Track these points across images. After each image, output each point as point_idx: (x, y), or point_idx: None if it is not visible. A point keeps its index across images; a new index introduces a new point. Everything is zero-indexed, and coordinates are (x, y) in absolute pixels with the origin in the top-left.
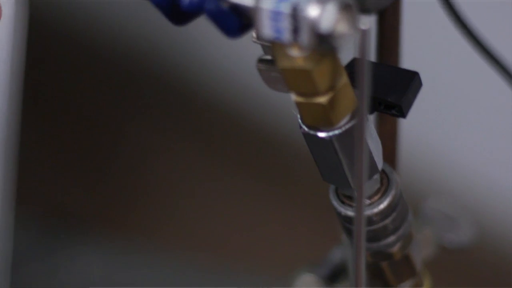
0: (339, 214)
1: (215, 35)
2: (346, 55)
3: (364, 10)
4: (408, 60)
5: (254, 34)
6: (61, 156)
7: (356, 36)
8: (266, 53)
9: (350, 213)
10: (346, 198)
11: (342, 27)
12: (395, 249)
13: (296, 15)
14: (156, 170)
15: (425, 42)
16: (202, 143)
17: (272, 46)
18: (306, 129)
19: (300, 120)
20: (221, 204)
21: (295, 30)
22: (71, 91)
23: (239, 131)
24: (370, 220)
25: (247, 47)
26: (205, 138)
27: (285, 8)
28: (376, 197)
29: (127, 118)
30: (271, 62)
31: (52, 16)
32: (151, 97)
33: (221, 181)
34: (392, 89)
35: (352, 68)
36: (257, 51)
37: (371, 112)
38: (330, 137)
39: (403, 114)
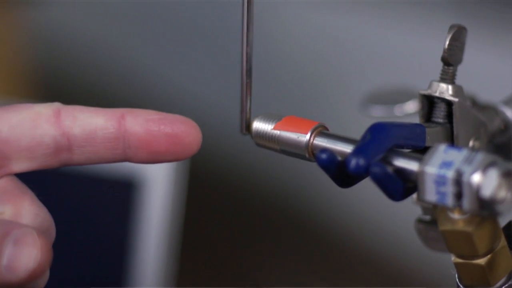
0: None
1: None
2: (503, 217)
3: None
4: None
5: (415, 196)
6: None
7: None
8: (425, 213)
9: None
10: None
11: (504, 193)
12: None
13: (459, 181)
14: None
15: None
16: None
17: (434, 209)
18: None
19: (458, 280)
20: None
21: (458, 195)
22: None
23: None
24: None
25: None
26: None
27: (450, 174)
28: None
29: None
30: (430, 223)
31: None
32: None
33: None
34: None
35: (509, 230)
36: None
37: None
38: None
39: None
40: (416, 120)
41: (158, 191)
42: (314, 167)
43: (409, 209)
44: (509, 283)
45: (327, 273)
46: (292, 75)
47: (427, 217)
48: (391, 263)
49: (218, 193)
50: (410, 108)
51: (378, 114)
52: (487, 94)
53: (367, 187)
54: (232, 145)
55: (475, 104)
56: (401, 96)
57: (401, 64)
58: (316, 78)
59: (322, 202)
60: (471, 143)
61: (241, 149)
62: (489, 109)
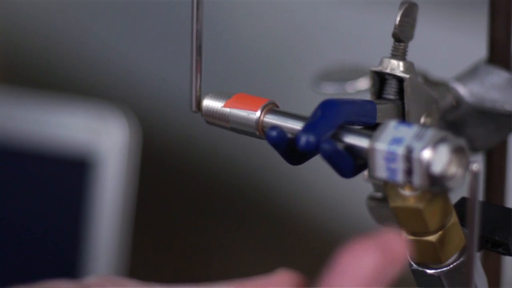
0: None
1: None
2: (455, 193)
3: (473, 150)
4: None
5: (366, 173)
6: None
7: (466, 177)
8: (376, 191)
9: None
10: None
11: (454, 169)
12: None
13: (409, 157)
14: None
15: None
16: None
17: (385, 186)
18: (415, 265)
19: (409, 257)
20: None
21: (408, 171)
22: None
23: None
24: None
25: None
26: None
27: (400, 150)
28: None
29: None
30: (381, 200)
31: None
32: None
33: None
34: (499, 228)
35: (461, 207)
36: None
37: (479, 250)
38: (439, 274)
39: (510, 252)
40: (368, 97)
41: (111, 170)
42: (266, 144)
43: (362, 186)
44: (461, 259)
45: (281, 251)
46: (243, 53)
47: (379, 194)
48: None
49: (172, 171)
50: (362, 85)
51: (330, 91)
52: (440, 70)
53: (320, 165)
54: (186, 123)
55: (427, 80)
56: (353, 73)
57: (353, 41)
58: (268, 56)
59: (275, 180)
60: (422, 120)
61: (196, 126)
62: (441, 86)
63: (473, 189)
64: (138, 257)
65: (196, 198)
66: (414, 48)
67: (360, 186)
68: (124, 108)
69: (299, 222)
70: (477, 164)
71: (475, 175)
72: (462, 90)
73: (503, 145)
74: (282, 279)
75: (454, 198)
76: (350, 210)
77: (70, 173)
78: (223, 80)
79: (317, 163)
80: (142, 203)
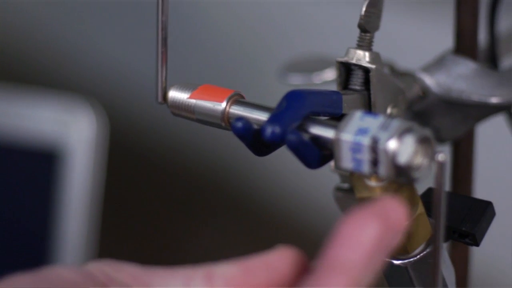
0: None
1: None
2: (422, 184)
3: (440, 140)
4: (481, 190)
5: (332, 164)
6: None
7: (433, 168)
8: (343, 182)
9: None
10: None
11: (420, 160)
12: None
13: (375, 148)
14: None
15: (498, 171)
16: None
17: (351, 176)
18: None
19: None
20: None
21: (374, 162)
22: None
23: None
24: None
25: None
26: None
27: (365, 141)
28: None
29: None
30: (348, 191)
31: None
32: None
33: None
34: (466, 218)
35: (427, 197)
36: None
37: (446, 241)
38: (406, 264)
39: (477, 243)
40: (335, 88)
41: (79, 161)
42: (235, 136)
43: (329, 177)
44: (427, 250)
45: (247, 239)
46: (210, 44)
47: (345, 185)
48: (313, 231)
49: (140, 162)
50: (328, 76)
51: (297, 82)
52: (407, 61)
53: (287, 156)
54: (155, 114)
55: (394, 71)
56: (319, 64)
57: (319, 32)
58: (235, 47)
59: (243, 171)
60: (388, 110)
61: (165, 117)
62: (407, 76)
63: (439, 179)
64: (107, 246)
65: (165, 189)
66: (381, 39)
67: (329, 177)
68: (91, 100)
69: (270, 213)
70: (443, 154)
71: (441, 165)
72: (429, 80)
73: (470, 135)
74: (283, 255)
75: (422, 188)
76: (319, 201)
77: (39, 164)
78: (190, 71)
79: (288, 154)
80: (111, 194)
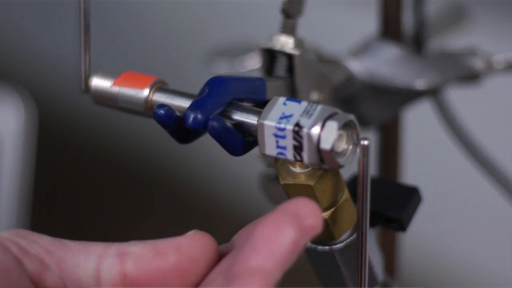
0: None
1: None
2: (348, 169)
3: (366, 125)
4: (409, 175)
5: (257, 151)
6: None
7: (357, 153)
8: (269, 167)
9: None
10: None
11: (344, 145)
12: None
13: (299, 133)
14: None
15: (425, 157)
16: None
17: (275, 162)
18: (308, 243)
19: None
20: None
21: (298, 148)
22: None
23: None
24: None
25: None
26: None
27: (289, 126)
28: None
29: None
30: (273, 178)
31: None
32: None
33: None
34: (392, 204)
35: (353, 183)
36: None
37: (372, 226)
38: (332, 250)
39: (403, 228)
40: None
41: (8, 149)
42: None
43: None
44: (354, 236)
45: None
46: (134, 31)
47: (271, 172)
48: (242, 217)
49: (70, 150)
50: (253, 63)
51: (221, 69)
52: (332, 46)
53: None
54: (84, 103)
55: (320, 57)
56: (244, 51)
57: (245, 18)
58: (159, 34)
59: (172, 158)
60: (313, 96)
61: (94, 105)
62: (332, 63)
63: (363, 164)
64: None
65: (98, 177)
66: (307, 25)
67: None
68: (19, 89)
69: (200, 199)
70: (367, 140)
71: (364, 150)
72: (354, 66)
73: (398, 121)
74: (194, 239)
75: (347, 174)
76: (247, 187)
77: None
78: (114, 58)
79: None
80: (41, 181)
